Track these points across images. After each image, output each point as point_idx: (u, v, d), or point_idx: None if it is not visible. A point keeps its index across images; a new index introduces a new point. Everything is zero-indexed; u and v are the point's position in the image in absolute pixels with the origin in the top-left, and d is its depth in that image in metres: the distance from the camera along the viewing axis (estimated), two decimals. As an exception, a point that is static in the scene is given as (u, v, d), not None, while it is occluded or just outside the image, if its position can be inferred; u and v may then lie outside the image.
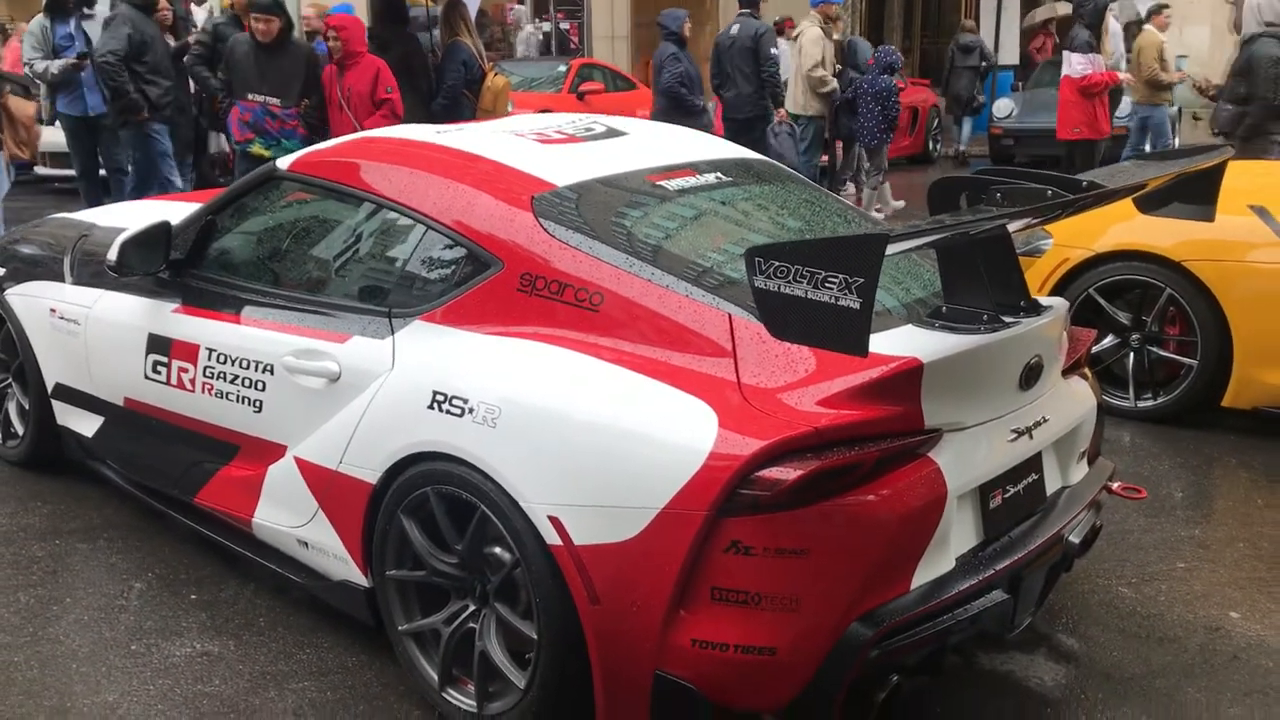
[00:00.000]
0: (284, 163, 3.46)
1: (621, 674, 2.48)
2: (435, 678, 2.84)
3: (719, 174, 3.30)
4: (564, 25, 19.69)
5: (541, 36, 19.18)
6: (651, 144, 3.53)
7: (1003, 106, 13.97)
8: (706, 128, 9.66)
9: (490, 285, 2.85)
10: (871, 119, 9.92)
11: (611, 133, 3.54)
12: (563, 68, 14.18)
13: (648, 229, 2.93)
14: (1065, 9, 14.76)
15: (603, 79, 14.28)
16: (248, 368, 3.23)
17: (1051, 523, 2.81)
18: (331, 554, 3.06)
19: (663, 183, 3.14)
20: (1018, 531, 2.74)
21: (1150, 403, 4.89)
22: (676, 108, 9.09)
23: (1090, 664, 3.11)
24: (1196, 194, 3.11)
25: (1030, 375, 2.72)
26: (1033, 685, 3.02)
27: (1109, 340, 4.94)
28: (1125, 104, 11.12)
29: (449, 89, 7.92)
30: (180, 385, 3.44)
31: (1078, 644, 3.20)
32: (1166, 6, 11.17)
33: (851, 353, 2.12)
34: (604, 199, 3.00)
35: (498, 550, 2.66)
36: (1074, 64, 9.16)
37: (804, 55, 10.08)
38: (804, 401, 2.42)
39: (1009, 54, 16.38)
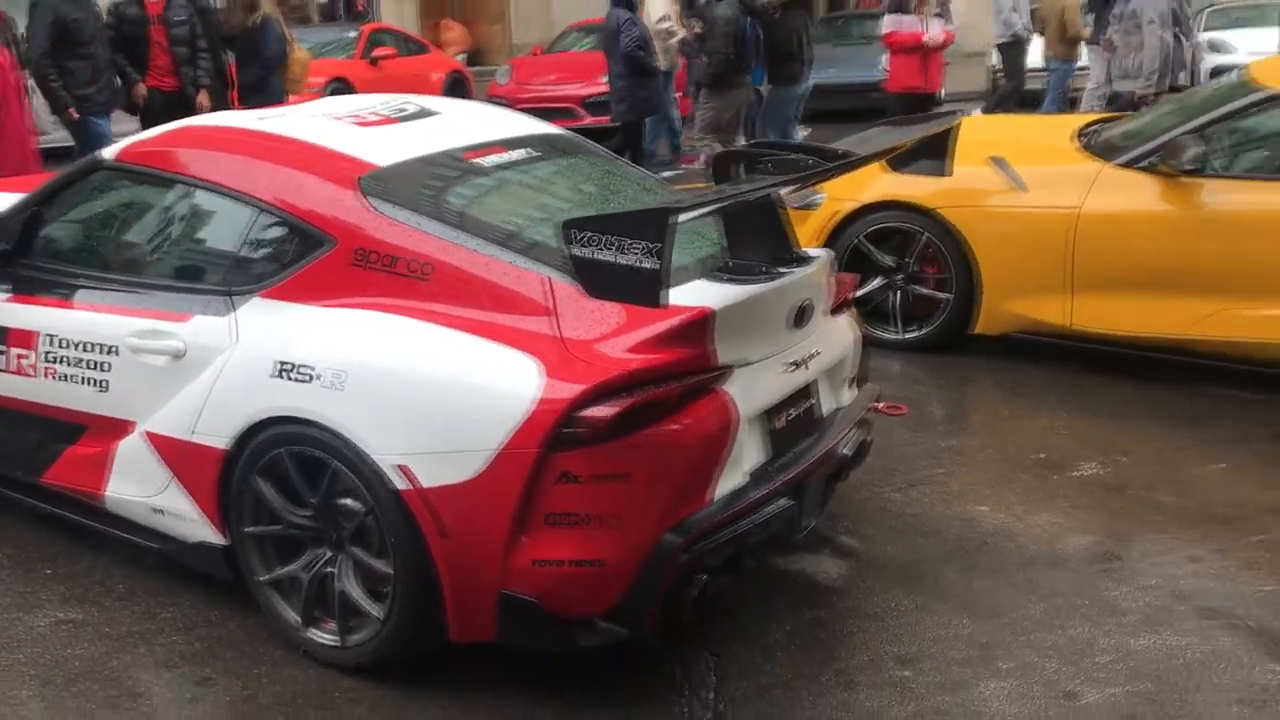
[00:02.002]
0: (109, 152, 3.60)
1: (470, 596, 2.84)
2: (298, 620, 3.13)
3: (528, 150, 3.63)
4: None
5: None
6: (463, 123, 3.83)
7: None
8: (664, 89, 9.74)
9: (325, 261, 3.12)
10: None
11: (424, 113, 3.81)
12: (353, 33, 14.10)
13: (468, 203, 3.26)
14: None
15: (395, 44, 14.27)
16: (91, 350, 3.39)
17: (827, 439, 3.31)
18: (187, 518, 3.28)
19: (478, 159, 3.46)
20: (799, 448, 3.22)
21: (915, 334, 5.53)
22: (635, 70, 9.19)
23: (866, 558, 3.67)
24: (934, 152, 3.66)
25: (801, 316, 3.19)
26: (819, 579, 3.55)
27: (878, 281, 5.55)
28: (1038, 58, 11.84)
29: (267, 61, 8.14)
30: (20, 371, 3.56)
31: (855, 542, 3.76)
32: None
33: (652, 305, 2.54)
34: (425, 176, 3.30)
35: (351, 500, 2.96)
36: (884, 23, 9.88)
37: (650, 10, 10.22)
38: (616, 349, 2.82)
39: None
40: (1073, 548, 3.70)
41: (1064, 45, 11.78)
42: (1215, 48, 14.79)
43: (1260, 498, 4.01)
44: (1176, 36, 9.33)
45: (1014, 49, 11.11)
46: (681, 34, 10.39)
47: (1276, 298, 4.65)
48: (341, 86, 12.11)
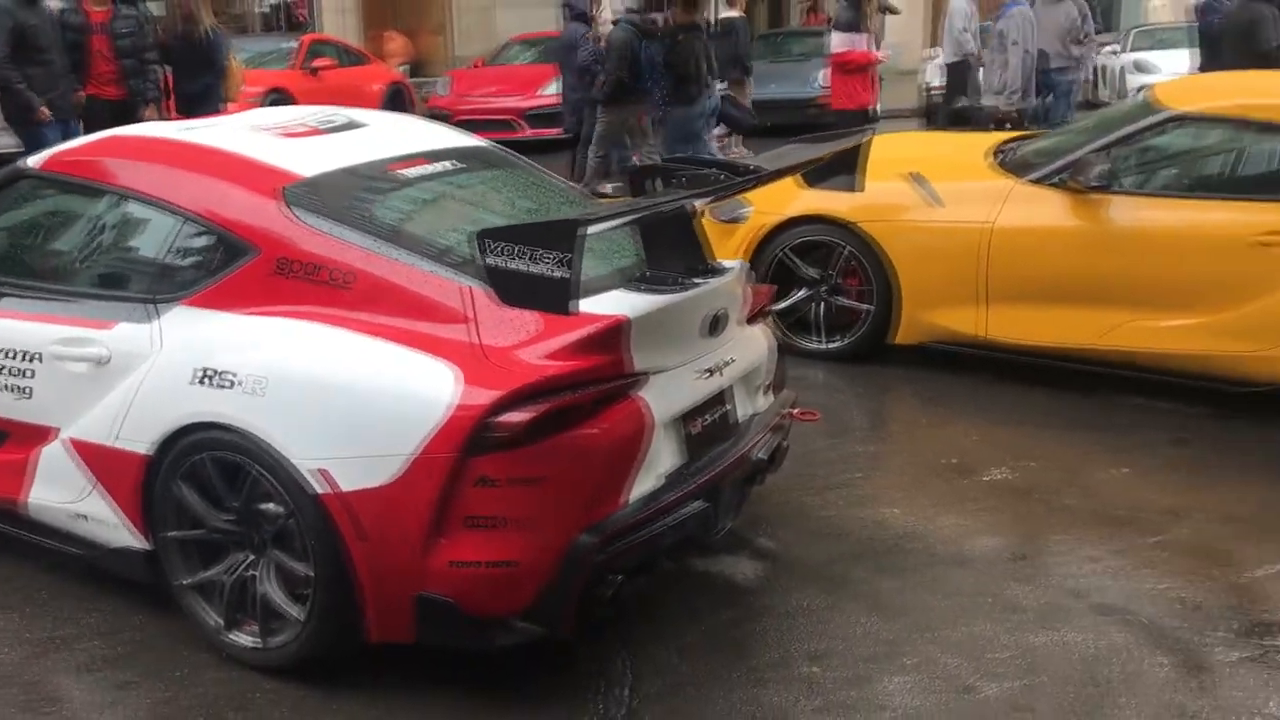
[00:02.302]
0: (34, 161, 3.63)
1: (389, 598, 2.91)
2: (219, 623, 3.17)
3: (452, 162, 3.71)
4: (290, -2, 19.32)
5: (268, 9, 18.76)
6: (389, 135, 3.91)
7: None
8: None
9: (248, 270, 3.18)
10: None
11: (351, 124, 3.89)
12: (293, 44, 14.06)
13: (390, 213, 3.33)
14: None
15: (334, 55, 14.26)
16: (13, 357, 3.41)
17: (742, 444, 3.42)
18: (110, 524, 3.31)
19: (401, 171, 3.54)
20: (714, 452, 3.32)
21: (837, 344, 5.67)
22: (590, 84, 9.47)
23: (781, 559, 3.79)
24: (845, 168, 3.79)
25: (716, 324, 3.31)
26: (736, 579, 3.67)
27: (802, 293, 5.69)
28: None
29: (219, 71, 8.41)
30: (-60, 379, 3.57)
31: (772, 544, 3.88)
32: None
33: (562, 313, 2.64)
34: (348, 187, 3.37)
35: (272, 504, 3.02)
36: (834, 42, 10.09)
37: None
38: (533, 356, 2.91)
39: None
40: (979, 548, 3.85)
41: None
42: (1140, 68, 15.29)
43: (1159, 501, 4.19)
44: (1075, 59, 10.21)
45: (961, 68, 11.44)
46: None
47: (1177, 310, 4.85)
48: (280, 97, 12.08)
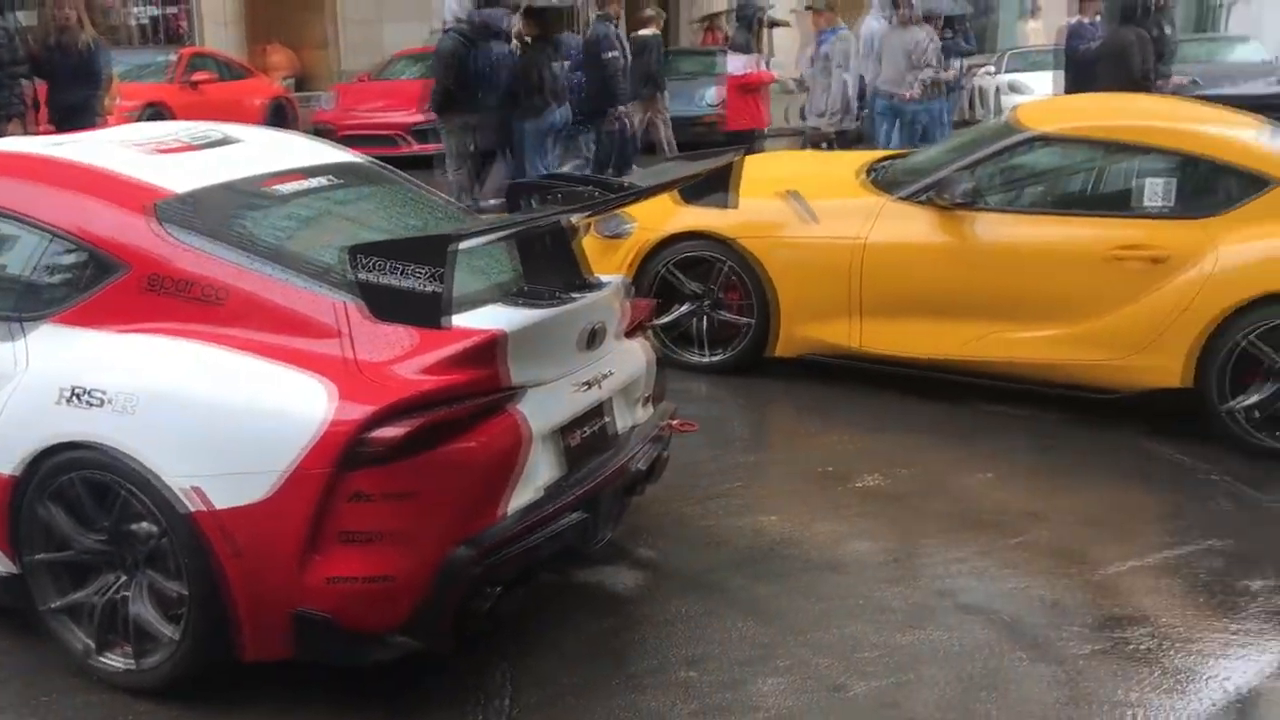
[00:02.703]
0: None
1: (265, 614, 2.90)
2: (90, 645, 3.11)
3: (328, 177, 3.72)
4: (171, 10, 18.83)
5: (146, 20, 18.29)
6: (264, 151, 3.89)
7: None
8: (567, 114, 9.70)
9: (118, 287, 3.14)
10: None
11: (226, 140, 3.86)
12: (172, 57, 13.76)
13: (264, 229, 3.32)
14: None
15: (215, 68, 13.99)
16: None
17: (621, 455, 3.49)
18: (-27, 549, 3.23)
19: (276, 187, 3.53)
20: (593, 464, 3.38)
21: (719, 357, 5.78)
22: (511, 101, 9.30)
23: (661, 568, 3.87)
24: (720, 186, 3.90)
25: (593, 338, 3.37)
26: (616, 589, 3.73)
27: (685, 307, 5.80)
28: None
29: (100, 82, 8.32)
30: None
31: (652, 553, 3.96)
32: None
33: (435, 328, 2.68)
34: (221, 203, 3.35)
35: (144, 523, 2.98)
36: (733, 64, 10.30)
37: None
38: (409, 371, 2.93)
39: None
40: (851, 553, 3.98)
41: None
42: (1014, 89, 15.86)
43: (1021, 504, 4.38)
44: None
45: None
46: None
47: (1038, 321, 5.09)
48: (158, 111, 11.80)
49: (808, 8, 12.14)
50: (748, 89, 10.30)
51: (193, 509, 2.85)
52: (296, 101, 15.77)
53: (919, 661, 3.33)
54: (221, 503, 2.84)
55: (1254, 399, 4.77)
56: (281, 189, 3.53)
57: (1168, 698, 3.17)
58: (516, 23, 9.13)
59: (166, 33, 18.34)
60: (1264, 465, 4.72)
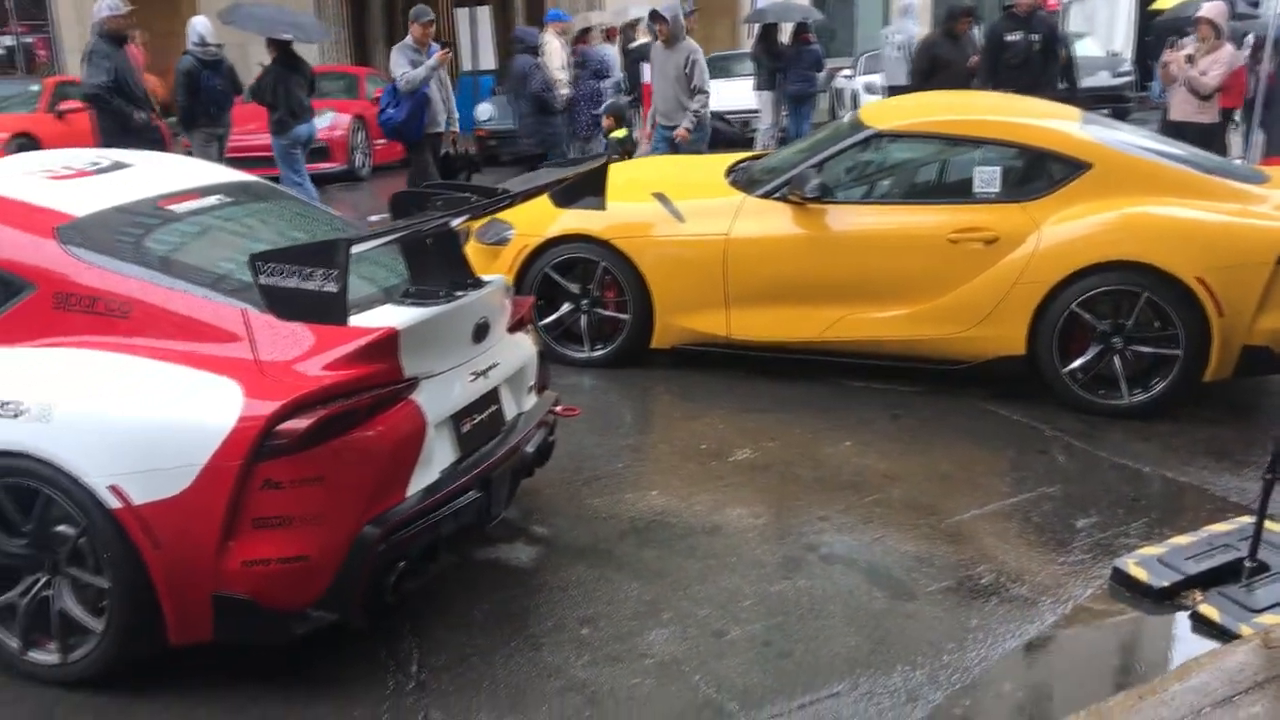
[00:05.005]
0: None
1: (187, 600, 3.13)
2: (18, 645, 3.30)
3: (221, 196, 3.95)
4: (28, 39, 18.43)
5: (2, 50, 17.88)
6: (157, 173, 4.09)
7: (483, 110, 15.30)
8: (564, 126, 10.58)
9: (26, 306, 3.34)
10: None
11: (118, 165, 4.06)
12: (36, 87, 13.54)
13: (163, 246, 3.55)
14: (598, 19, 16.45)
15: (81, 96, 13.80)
16: None
17: (511, 439, 3.79)
18: (-104, 562, 3.37)
19: (172, 206, 3.75)
20: (486, 448, 3.67)
21: (601, 352, 6.13)
22: (540, 109, 10.42)
23: (554, 542, 4.18)
24: (592, 189, 4.23)
25: (480, 332, 3.67)
26: (513, 563, 4.04)
27: (566, 307, 6.13)
28: None
29: None
30: None
31: (545, 530, 4.27)
32: None
33: (336, 324, 2.95)
34: (121, 224, 3.56)
35: (66, 524, 3.18)
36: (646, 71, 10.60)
37: (550, 60, 10.67)
38: (310, 369, 3.19)
39: (487, 58, 17.77)
40: (728, 518, 4.36)
41: None
42: (870, 90, 16.58)
43: (878, 466, 4.83)
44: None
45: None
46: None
47: (888, 302, 5.55)
48: (27, 142, 11.66)
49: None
50: None
51: (113, 505, 3.06)
52: (167, 129, 15.60)
53: (789, 606, 3.71)
54: (140, 498, 3.06)
55: (1081, 361, 5.31)
56: (176, 208, 3.75)
57: (1006, 622, 3.61)
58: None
59: (27, 62, 17.96)
60: (1092, 421, 5.26)
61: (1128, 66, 19.50)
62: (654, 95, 9.68)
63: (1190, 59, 8.71)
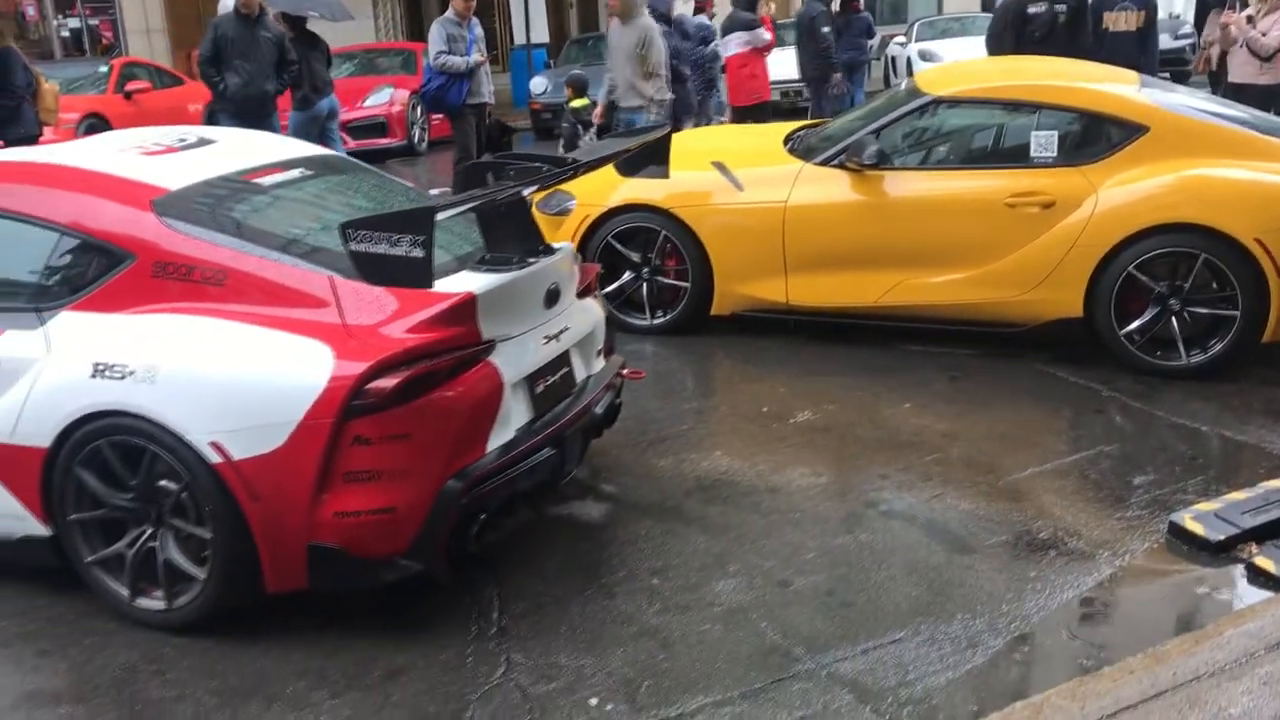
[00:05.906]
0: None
1: (283, 550, 3.34)
2: (126, 593, 3.53)
3: (302, 169, 4.15)
4: (93, 21, 18.85)
5: (68, 33, 18.31)
6: (239, 149, 4.30)
7: (537, 84, 15.44)
8: (690, 95, 10.05)
9: (127, 275, 3.55)
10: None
11: (203, 141, 4.27)
12: (104, 68, 13.90)
13: (252, 216, 3.74)
14: None
15: (148, 77, 14.15)
16: (-97, 371, 3.67)
17: (582, 400, 3.95)
18: (11, 516, 3.61)
19: (258, 179, 3.95)
20: (559, 408, 3.84)
21: (662, 319, 6.27)
22: (674, 79, 9.22)
23: (623, 499, 4.35)
24: (656, 158, 4.36)
25: (552, 297, 3.84)
26: (585, 519, 4.22)
27: (628, 275, 6.28)
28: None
29: (20, 90, 8.50)
30: None
31: (614, 489, 4.44)
32: None
33: (422, 287, 3.13)
34: (211, 196, 3.77)
35: (170, 479, 3.40)
36: (730, 43, 10.59)
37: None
38: (394, 331, 3.38)
39: (539, 33, 17.91)
40: (790, 476, 4.50)
41: None
42: (925, 57, 16.50)
43: (936, 427, 4.93)
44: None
45: None
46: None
47: (946, 267, 5.63)
48: (97, 122, 12.00)
49: None
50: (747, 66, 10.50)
51: (214, 461, 3.27)
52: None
53: (851, 558, 3.85)
54: (239, 454, 3.26)
55: (1138, 323, 5.37)
56: (262, 181, 3.95)
57: (1064, 574, 3.72)
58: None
59: (92, 43, 18.37)
60: (1149, 382, 5.32)
61: (1188, 29, 19.17)
62: (609, 75, 9.01)
63: (1251, 20, 8.62)
